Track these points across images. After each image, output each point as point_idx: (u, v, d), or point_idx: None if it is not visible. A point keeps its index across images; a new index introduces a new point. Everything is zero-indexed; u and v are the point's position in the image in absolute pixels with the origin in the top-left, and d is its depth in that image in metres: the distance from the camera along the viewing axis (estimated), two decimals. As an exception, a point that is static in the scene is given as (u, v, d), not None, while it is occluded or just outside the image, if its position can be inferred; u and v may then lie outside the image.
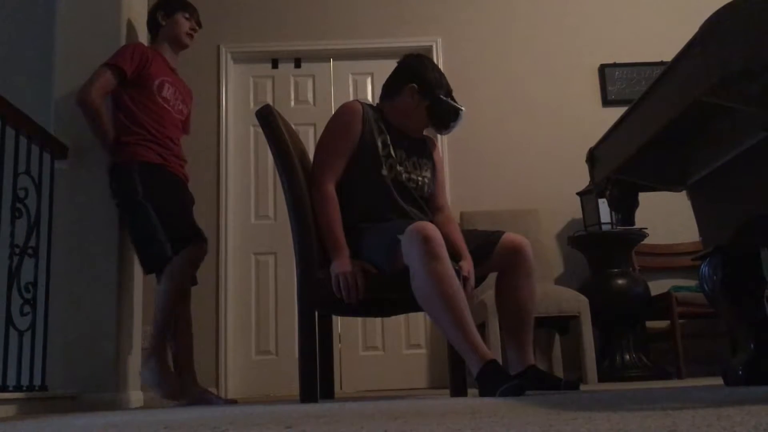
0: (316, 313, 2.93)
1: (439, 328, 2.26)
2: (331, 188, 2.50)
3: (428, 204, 2.70)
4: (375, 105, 2.74)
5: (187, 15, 3.18)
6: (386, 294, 2.40)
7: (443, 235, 2.59)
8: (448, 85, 2.69)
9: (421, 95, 2.63)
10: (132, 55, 2.97)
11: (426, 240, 2.20)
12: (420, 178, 2.65)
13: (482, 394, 2.09)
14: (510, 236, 2.64)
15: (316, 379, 2.45)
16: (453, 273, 2.22)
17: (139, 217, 2.88)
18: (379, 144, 2.58)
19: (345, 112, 2.59)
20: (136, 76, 2.98)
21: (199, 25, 3.27)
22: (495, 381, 2.04)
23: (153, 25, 3.22)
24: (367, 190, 2.55)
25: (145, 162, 2.92)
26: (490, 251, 2.61)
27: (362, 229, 2.49)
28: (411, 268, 2.24)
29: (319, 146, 2.60)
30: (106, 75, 2.92)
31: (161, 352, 2.85)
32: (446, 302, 2.17)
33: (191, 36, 3.22)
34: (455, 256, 2.52)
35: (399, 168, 2.58)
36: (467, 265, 2.51)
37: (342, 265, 2.39)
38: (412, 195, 2.60)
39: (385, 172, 2.55)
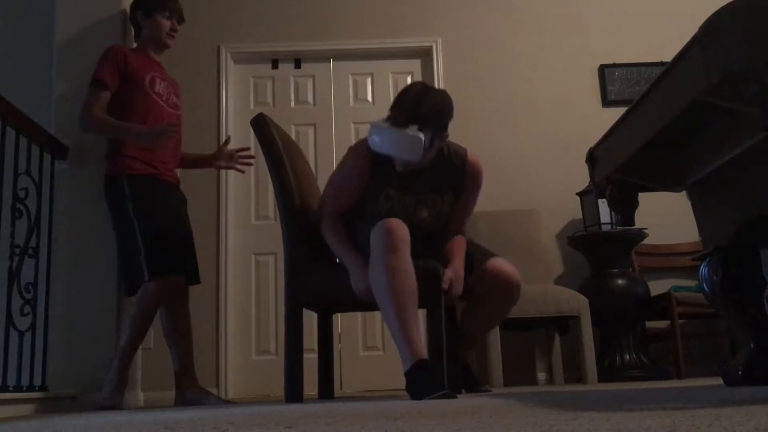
0: (318, 315, 2.94)
1: (383, 317, 2.32)
2: (334, 218, 2.55)
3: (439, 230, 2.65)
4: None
5: (167, 14, 3.09)
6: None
7: (445, 248, 2.60)
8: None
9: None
10: (107, 62, 2.93)
11: (387, 232, 2.26)
12: (434, 213, 2.58)
13: (409, 392, 2.18)
14: (502, 269, 2.56)
15: (302, 378, 2.48)
16: (408, 268, 2.26)
17: (126, 234, 2.85)
18: (382, 196, 2.52)
19: (354, 156, 2.54)
20: (122, 79, 2.94)
21: (181, 21, 3.17)
22: (424, 385, 2.12)
23: (134, 25, 3.16)
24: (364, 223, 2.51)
25: (134, 174, 2.88)
26: (471, 267, 2.59)
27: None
28: (371, 258, 2.30)
29: (330, 181, 2.61)
30: (97, 94, 2.90)
31: (122, 371, 2.81)
32: (393, 294, 2.22)
33: (172, 36, 3.13)
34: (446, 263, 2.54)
35: (397, 212, 2.51)
36: (450, 273, 2.48)
37: (357, 280, 2.42)
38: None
39: (381, 215, 2.48)
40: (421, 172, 2.53)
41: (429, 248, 2.58)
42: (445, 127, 2.46)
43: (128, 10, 3.24)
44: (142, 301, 2.81)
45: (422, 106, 2.38)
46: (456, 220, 2.65)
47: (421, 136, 2.35)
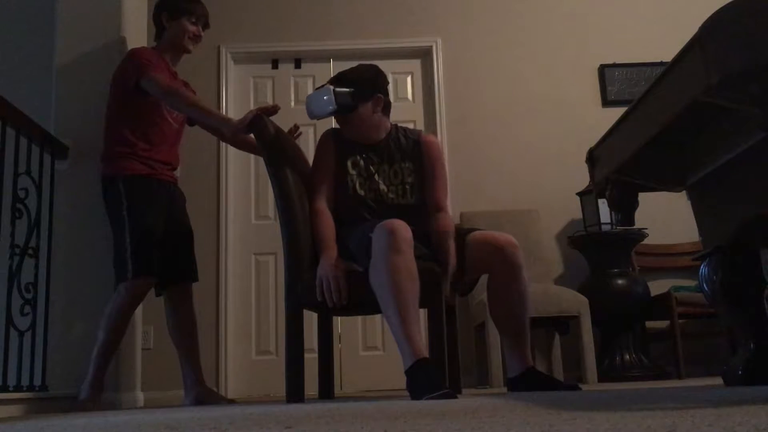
0: (318, 315, 2.94)
1: (384, 317, 2.31)
2: (320, 205, 2.61)
3: (421, 206, 2.67)
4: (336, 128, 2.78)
5: (193, 19, 3.04)
6: (369, 294, 2.40)
7: (435, 238, 2.58)
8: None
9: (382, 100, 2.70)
10: (157, 64, 2.88)
11: (391, 233, 2.27)
12: (398, 187, 2.66)
13: (409, 390, 2.19)
14: (488, 235, 2.57)
15: (303, 379, 2.48)
16: (411, 267, 2.27)
17: (117, 230, 2.85)
18: (349, 165, 2.67)
19: (319, 141, 2.76)
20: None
21: (206, 27, 3.12)
22: (423, 384, 2.11)
23: (157, 25, 3.08)
24: (341, 206, 2.66)
25: (131, 175, 2.86)
26: (462, 247, 2.55)
27: (345, 231, 2.55)
28: (373, 258, 2.31)
29: (311, 171, 2.77)
30: (159, 77, 2.83)
31: (99, 372, 2.79)
32: (394, 292, 2.23)
33: (195, 41, 3.08)
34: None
35: (364, 184, 2.64)
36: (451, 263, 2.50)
37: (325, 267, 2.44)
38: (384, 206, 2.63)
39: (351, 192, 2.64)
40: (376, 147, 2.70)
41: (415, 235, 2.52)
42: (373, 89, 2.68)
43: (130, 13, 3.23)
44: (117, 299, 2.80)
45: (345, 71, 2.72)
46: (431, 195, 2.69)
47: (330, 86, 2.61)
